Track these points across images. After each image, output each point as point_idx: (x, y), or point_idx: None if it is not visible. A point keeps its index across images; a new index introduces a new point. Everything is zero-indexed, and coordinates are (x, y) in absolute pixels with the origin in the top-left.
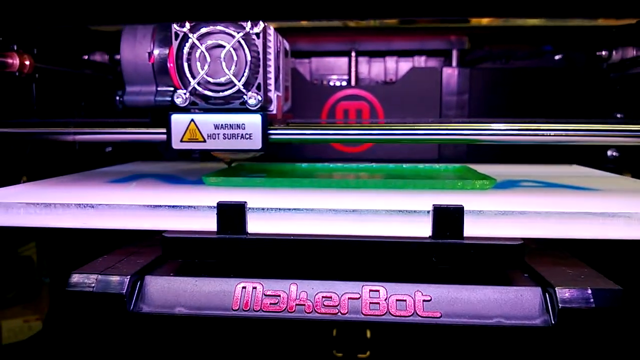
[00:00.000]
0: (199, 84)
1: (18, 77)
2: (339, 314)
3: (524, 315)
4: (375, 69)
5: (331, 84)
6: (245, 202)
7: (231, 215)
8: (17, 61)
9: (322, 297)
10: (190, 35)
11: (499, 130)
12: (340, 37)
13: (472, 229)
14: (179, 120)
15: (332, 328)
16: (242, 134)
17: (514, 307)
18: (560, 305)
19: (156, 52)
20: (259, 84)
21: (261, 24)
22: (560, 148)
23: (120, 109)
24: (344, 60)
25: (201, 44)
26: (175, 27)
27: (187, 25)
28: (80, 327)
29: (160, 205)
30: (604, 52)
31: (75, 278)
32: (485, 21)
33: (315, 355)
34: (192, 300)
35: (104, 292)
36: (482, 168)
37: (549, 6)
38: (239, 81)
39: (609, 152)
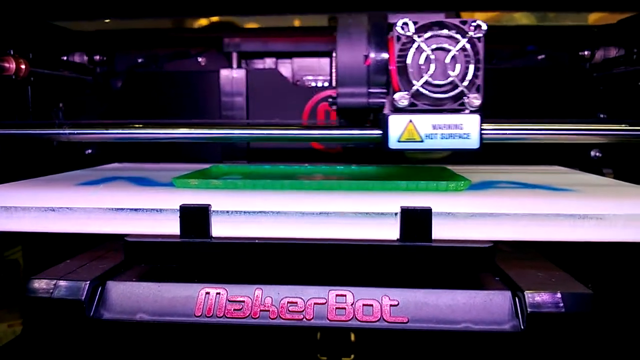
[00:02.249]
0: (421, 86)
1: (14, 80)
2: (304, 319)
3: (493, 320)
4: None
5: (313, 84)
6: (209, 204)
7: (195, 218)
8: (13, 65)
9: (288, 302)
10: (416, 38)
11: None
12: (322, 38)
13: (442, 231)
14: (397, 121)
15: (301, 333)
16: (459, 134)
17: (483, 311)
18: (529, 309)
19: (372, 55)
20: (479, 85)
21: (483, 28)
22: (543, 149)
23: (334, 109)
24: (325, 61)
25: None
26: (398, 30)
27: (412, 28)
28: (44, 334)
29: (123, 209)
30: (586, 52)
31: (34, 284)
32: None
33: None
34: (154, 306)
35: (62, 298)
36: (462, 169)
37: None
38: (462, 83)
39: (593, 153)
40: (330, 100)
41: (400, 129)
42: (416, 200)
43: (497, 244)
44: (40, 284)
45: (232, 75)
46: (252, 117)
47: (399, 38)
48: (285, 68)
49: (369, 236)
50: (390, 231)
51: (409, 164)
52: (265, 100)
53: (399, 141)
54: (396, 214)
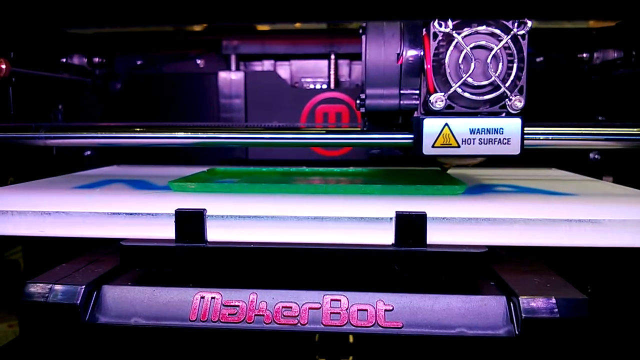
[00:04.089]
0: (459, 87)
1: None
2: (299, 324)
3: (488, 325)
4: (356, 71)
5: (311, 87)
6: (205, 209)
7: (190, 223)
8: None
9: (282, 307)
10: (456, 35)
11: None
12: (320, 40)
13: (437, 236)
14: (432, 125)
15: (299, 335)
16: (499, 139)
17: (478, 316)
18: (523, 315)
19: (406, 53)
20: (522, 86)
21: (528, 24)
22: (541, 151)
23: (363, 112)
24: (324, 63)
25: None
26: (435, 27)
27: (450, 25)
28: (39, 338)
29: (119, 213)
30: (585, 55)
31: (30, 288)
32: None
33: None
34: (149, 311)
35: (57, 302)
36: (459, 172)
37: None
38: (505, 84)
39: (591, 155)
40: (357, 102)
41: (435, 133)
42: (412, 204)
43: (493, 249)
44: (35, 288)
45: (231, 78)
46: (250, 119)
47: (435, 35)
48: (284, 70)
49: (364, 241)
50: (385, 236)
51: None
52: (264, 102)
53: (433, 146)
54: (391, 218)
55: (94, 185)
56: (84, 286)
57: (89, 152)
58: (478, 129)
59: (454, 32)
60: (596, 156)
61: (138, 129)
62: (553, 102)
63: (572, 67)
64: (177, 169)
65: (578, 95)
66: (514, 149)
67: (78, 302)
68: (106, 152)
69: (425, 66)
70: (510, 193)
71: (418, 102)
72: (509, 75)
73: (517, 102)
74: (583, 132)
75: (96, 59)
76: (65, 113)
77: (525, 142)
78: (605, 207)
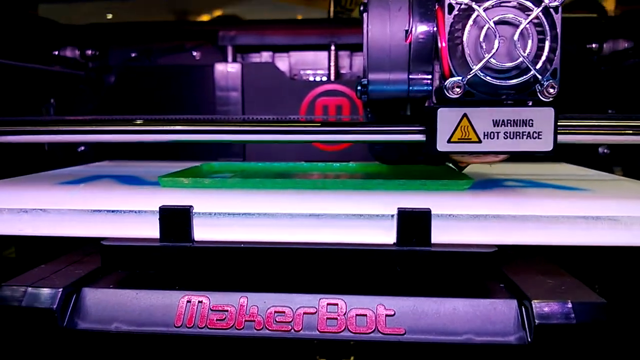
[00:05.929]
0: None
1: None
2: (292, 330)
3: (497, 332)
4: (357, 63)
5: (310, 79)
6: (191, 205)
7: (175, 220)
8: None
9: (275, 312)
10: (476, 7)
11: None
12: (320, 30)
13: (442, 234)
14: (447, 116)
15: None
16: (528, 133)
17: (486, 322)
18: (537, 320)
19: (416, 29)
20: (555, 69)
21: None
22: None
23: (364, 100)
24: (324, 55)
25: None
26: None
27: None
28: (14, 346)
29: (100, 210)
30: (594, 45)
31: (4, 291)
32: None
33: None
34: (131, 315)
35: (33, 306)
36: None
37: None
38: (534, 66)
39: (600, 149)
40: (359, 89)
41: (452, 126)
42: (414, 200)
43: (502, 249)
44: (9, 291)
45: (228, 70)
46: (247, 112)
47: (451, 7)
48: (282, 62)
49: (364, 240)
50: (386, 234)
51: None
52: (262, 95)
53: (449, 142)
54: (392, 215)
55: (80, 182)
56: (61, 289)
57: (82, 148)
58: (503, 121)
59: (473, 3)
60: (605, 150)
61: (111, 123)
62: (561, 94)
63: (581, 58)
64: (172, 164)
65: (588, 87)
66: (545, 144)
67: (55, 306)
68: (101, 147)
69: (440, 45)
70: (521, 188)
71: (430, 88)
72: (539, 56)
73: (550, 88)
74: (628, 124)
75: (89, 51)
76: (57, 107)
77: (560, 138)
78: (624, 203)
